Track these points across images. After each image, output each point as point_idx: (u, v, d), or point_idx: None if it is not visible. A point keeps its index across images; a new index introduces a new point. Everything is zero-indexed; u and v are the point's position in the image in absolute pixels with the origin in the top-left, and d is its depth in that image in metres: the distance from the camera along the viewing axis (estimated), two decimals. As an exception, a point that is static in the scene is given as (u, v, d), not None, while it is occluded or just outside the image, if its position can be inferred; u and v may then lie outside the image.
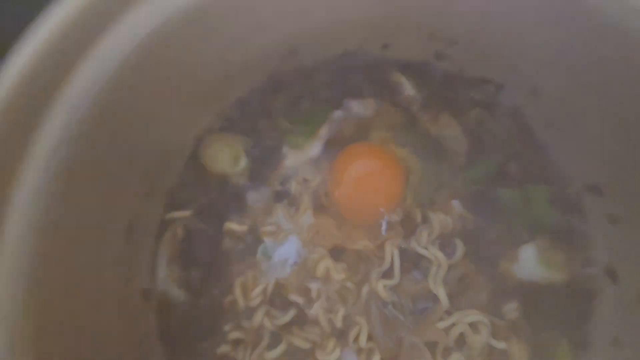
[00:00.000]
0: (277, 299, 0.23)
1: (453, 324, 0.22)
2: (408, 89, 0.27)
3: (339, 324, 0.23)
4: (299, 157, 0.26)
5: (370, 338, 0.22)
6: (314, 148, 0.26)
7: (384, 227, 0.24)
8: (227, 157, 0.25)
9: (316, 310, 0.23)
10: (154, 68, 0.18)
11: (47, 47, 0.13)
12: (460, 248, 0.24)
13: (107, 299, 0.19)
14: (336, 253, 0.24)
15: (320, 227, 0.25)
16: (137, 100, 0.18)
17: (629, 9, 0.17)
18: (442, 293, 0.22)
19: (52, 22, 0.13)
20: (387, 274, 0.23)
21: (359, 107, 0.27)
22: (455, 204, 0.25)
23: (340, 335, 0.23)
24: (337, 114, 0.26)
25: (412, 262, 0.24)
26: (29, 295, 0.14)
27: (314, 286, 0.23)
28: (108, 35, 0.14)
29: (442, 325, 0.22)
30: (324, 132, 0.26)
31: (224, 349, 0.22)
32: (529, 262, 0.24)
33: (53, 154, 0.15)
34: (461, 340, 0.23)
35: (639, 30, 0.17)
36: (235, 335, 0.22)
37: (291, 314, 0.23)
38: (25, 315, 0.14)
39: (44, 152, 0.14)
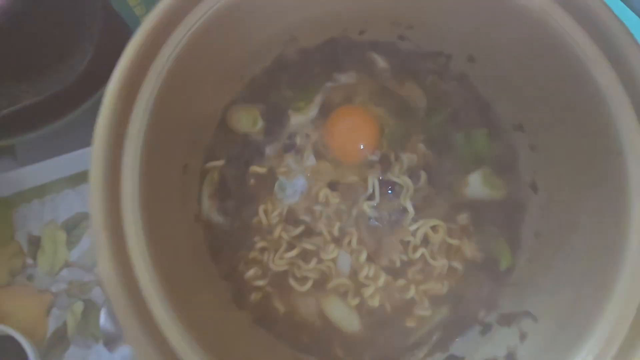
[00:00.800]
0: (291, 218, 0.31)
1: (418, 228, 0.31)
2: (380, 63, 0.35)
3: (336, 233, 0.31)
4: (301, 118, 0.34)
5: (359, 242, 0.31)
6: (312, 111, 0.34)
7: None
8: (247, 121, 0.33)
9: (319, 224, 0.31)
10: (200, 52, 0.26)
11: (146, 38, 0.22)
12: (423, 176, 0.32)
13: (172, 215, 0.28)
14: (332, 185, 0.32)
15: (320, 168, 0.33)
16: (185, 80, 0.27)
17: None
18: (409, 206, 0.31)
19: (149, 22, 0.22)
20: (370, 197, 0.32)
21: (344, 79, 0.35)
22: (421, 145, 0.34)
23: (337, 241, 0.31)
24: (328, 84, 0.35)
25: (388, 187, 0.32)
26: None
27: (317, 208, 0.32)
28: (178, 27, 0.23)
29: (411, 228, 0.31)
30: (318, 98, 0.34)
31: (253, 254, 0.31)
32: (476, 185, 0.32)
33: (144, 111, 0.23)
34: (425, 240, 0.31)
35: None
36: (261, 244, 0.31)
37: (301, 228, 0.31)
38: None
39: (141, 110, 0.23)
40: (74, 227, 0.52)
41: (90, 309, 0.49)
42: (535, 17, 0.25)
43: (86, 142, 0.53)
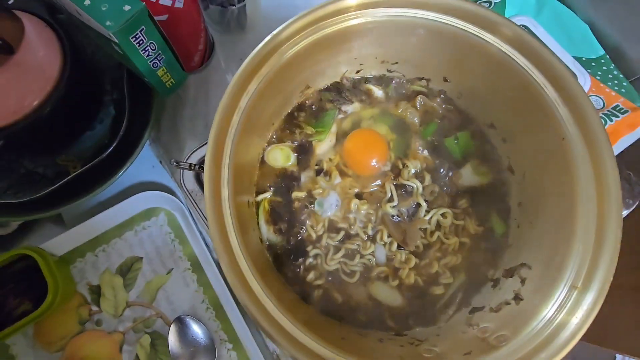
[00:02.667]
0: (332, 227, 0.40)
1: (432, 216, 0.40)
2: (376, 92, 0.44)
3: (369, 232, 0.39)
4: (324, 147, 0.42)
5: (389, 236, 0.39)
6: (331, 139, 0.42)
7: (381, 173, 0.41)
8: (282, 157, 0.41)
9: (355, 228, 0.40)
10: (251, 115, 0.34)
11: (222, 118, 0.30)
12: (427, 176, 0.41)
13: (252, 239, 0.36)
14: (359, 195, 0.41)
15: (345, 184, 0.41)
16: (244, 138, 0.34)
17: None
18: (421, 201, 0.40)
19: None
20: (390, 199, 0.40)
21: (350, 109, 0.44)
22: (423, 152, 0.43)
23: (372, 238, 0.39)
24: (339, 116, 0.43)
25: (402, 189, 0.41)
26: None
27: (351, 216, 0.40)
28: (241, 100, 0.31)
29: (426, 217, 0.39)
30: (333, 129, 0.43)
31: (309, 261, 0.39)
32: (468, 175, 0.41)
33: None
34: (438, 225, 0.40)
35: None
36: (314, 252, 0.39)
37: (342, 233, 0.39)
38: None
39: (226, 167, 0.31)
40: (127, 270, 0.59)
41: (157, 339, 0.56)
42: (492, 51, 0.34)
43: (122, 196, 0.59)
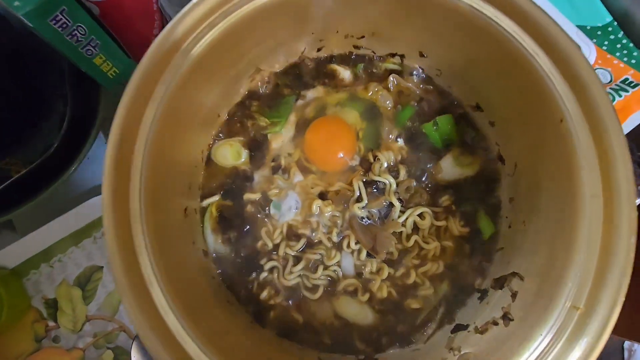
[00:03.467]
0: (291, 234, 0.34)
1: (407, 218, 0.34)
2: (342, 72, 0.38)
3: (335, 239, 0.34)
4: (280, 140, 0.36)
5: (357, 242, 0.34)
6: (289, 131, 0.37)
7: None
8: (232, 154, 0.36)
9: (318, 234, 0.34)
10: (179, 104, 0.28)
11: (132, 98, 0.24)
12: (402, 170, 0.35)
13: (184, 256, 0.30)
14: (322, 195, 0.35)
15: (307, 182, 0.36)
16: (171, 132, 0.28)
17: None
18: (395, 200, 0.34)
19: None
20: (358, 199, 0.34)
21: (312, 94, 0.38)
22: (398, 141, 0.37)
23: (338, 246, 0.34)
24: (299, 103, 0.37)
25: (373, 186, 0.35)
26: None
27: (313, 220, 0.34)
28: (157, 86, 0.25)
29: (400, 220, 0.34)
30: (292, 118, 0.37)
31: (264, 275, 0.33)
32: (449, 168, 0.35)
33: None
34: (415, 227, 0.34)
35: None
36: (269, 264, 0.33)
37: (303, 241, 0.34)
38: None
39: (138, 166, 0.25)
40: (86, 281, 0.54)
41: (120, 355, 0.51)
42: (472, 16, 0.28)
43: (78, 201, 0.54)
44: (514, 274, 0.29)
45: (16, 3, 0.33)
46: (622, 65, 0.59)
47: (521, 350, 0.23)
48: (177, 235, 0.29)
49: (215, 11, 0.26)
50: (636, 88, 0.58)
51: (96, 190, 0.55)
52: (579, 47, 0.26)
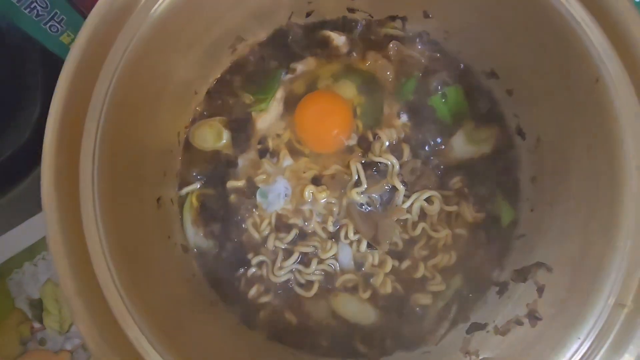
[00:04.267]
0: (281, 224, 0.31)
1: (413, 203, 0.30)
2: (336, 39, 0.34)
3: (330, 229, 0.30)
4: (267, 119, 0.33)
5: (356, 232, 0.30)
6: (276, 108, 0.33)
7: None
8: (212, 136, 0.32)
9: (312, 224, 0.30)
10: (142, 74, 0.24)
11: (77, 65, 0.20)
12: (406, 150, 0.31)
13: (156, 253, 0.26)
14: (316, 180, 0.31)
15: (299, 166, 0.32)
16: (133, 109, 0.25)
17: None
18: (397, 183, 0.30)
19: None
20: (357, 183, 0.31)
21: (302, 67, 0.34)
22: (401, 117, 0.33)
23: (335, 237, 0.30)
24: (287, 77, 0.34)
25: (373, 169, 0.31)
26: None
27: (305, 208, 0.31)
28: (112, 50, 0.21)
29: (405, 205, 0.30)
30: (280, 94, 0.33)
31: (252, 271, 0.30)
32: (460, 145, 0.32)
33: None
34: (423, 214, 0.30)
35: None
36: (257, 259, 0.30)
37: (294, 232, 0.30)
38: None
39: (89, 151, 0.21)
40: (73, 280, 0.51)
41: (111, 357, 0.49)
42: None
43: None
44: (540, 264, 0.25)
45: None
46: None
47: (554, 356, 0.19)
48: (148, 231, 0.26)
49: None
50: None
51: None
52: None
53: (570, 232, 0.24)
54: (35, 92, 0.49)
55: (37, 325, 0.50)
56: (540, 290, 0.24)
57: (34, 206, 0.51)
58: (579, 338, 0.19)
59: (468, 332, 0.26)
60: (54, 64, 0.43)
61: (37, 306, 0.51)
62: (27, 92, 0.50)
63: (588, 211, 0.23)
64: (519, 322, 0.23)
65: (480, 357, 0.23)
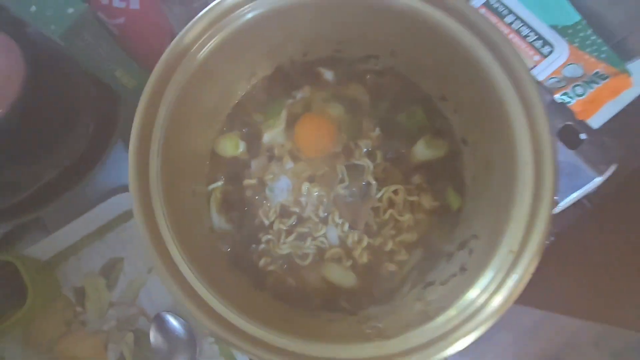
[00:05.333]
0: (284, 212, 0.39)
1: (383, 194, 0.39)
2: (325, 73, 0.43)
3: (321, 215, 0.39)
4: (273, 133, 0.42)
5: (340, 216, 0.39)
6: (280, 125, 0.42)
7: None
8: (231, 146, 0.41)
9: (307, 211, 0.40)
10: (186, 104, 0.34)
11: (147, 102, 0.30)
12: (379, 155, 0.40)
13: (194, 230, 0.36)
14: (311, 179, 0.40)
15: (298, 168, 0.41)
16: (181, 127, 0.35)
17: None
18: (371, 179, 0.39)
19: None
20: (341, 180, 0.40)
21: (300, 94, 0.43)
22: (375, 130, 0.42)
23: (324, 221, 0.39)
24: (289, 101, 0.43)
25: (354, 169, 0.40)
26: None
27: (302, 199, 0.40)
28: (167, 89, 0.31)
29: (377, 196, 0.39)
30: (283, 114, 0.42)
31: (262, 246, 0.39)
32: (422, 150, 0.40)
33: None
34: (391, 203, 0.39)
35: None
36: (266, 237, 0.39)
37: (294, 217, 0.39)
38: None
39: (154, 155, 0.31)
40: (110, 271, 0.60)
41: (140, 336, 0.57)
42: (428, 20, 0.33)
43: (100, 200, 0.61)
44: (473, 235, 0.34)
45: (52, 27, 0.40)
46: (593, 60, 0.64)
47: (469, 289, 0.28)
48: (188, 213, 0.35)
49: (214, 24, 0.32)
50: (606, 80, 0.63)
51: (116, 191, 0.62)
52: (513, 46, 0.31)
53: (490, 211, 0.33)
54: (86, 113, 0.58)
55: (79, 309, 0.58)
56: (470, 252, 0.32)
57: (79, 210, 0.60)
58: (485, 275, 0.28)
59: (423, 288, 0.35)
60: (103, 90, 0.54)
61: (80, 293, 0.59)
62: (79, 114, 0.60)
63: (500, 195, 0.31)
64: (454, 275, 0.32)
65: (427, 299, 0.32)
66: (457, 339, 0.25)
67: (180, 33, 0.32)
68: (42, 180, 0.53)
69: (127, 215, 0.61)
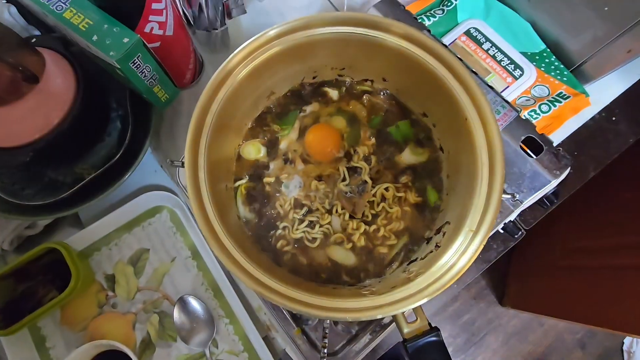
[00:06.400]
0: (297, 204, 0.48)
1: (376, 190, 0.48)
2: (330, 92, 0.53)
3: (327, 207, 0.48)
4: (289, 140, 0.52)
5: (342, 208, 0.48)
6: (294, 134, 0.52)
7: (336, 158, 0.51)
8: (254, 151, 0.51)
9: (316, 204, 0.49)
10: (223, 117, 0.44)
11: (198, 116, 0.40)
12: (373, 159, 0.49)
13: (229, 216, 0.45)
14: (318, 178, 0.50)
15: (308, 169, 0.50)
16: (219, 135, 0.44)
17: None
18: (368, 179, 0.48)
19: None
20: (343, 179, 0.49)
21: (310, 108, 0.53)
22: (371, 139, 0.52)
23: (329, 211, 0.48)
24: (301, 114, 0.53)
25: (353, 170, 0.50)
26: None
27: (312, 194, 0.49)
28: (212, 104, 0.41)
29: (372, 192, 0.48)
30: (296, 125, 0.52)
31: (279, 232, 0.48)
32: (408, 156, 0.50)
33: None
34: (383, 198, 0.48)
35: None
36: (282, 224, 0.47)
37: (305, 209, 0.47)
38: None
39: (202, 157, 0.40)
40: (137, 260, 0.68)
41: (164, 318, 0.65)
42: (412, 56, 0.43)
43: (130, 198, 0.69)
44: (447, 222, 0.43)
45: (112, 53, 0.50)
46: (557, 82, 0.75)
47: (440, 258, 0.37)
48: (223, 202, 0.44)
49: (248, 56, 0.42)
50: (568, 99, 0.74)
51: (144, 190, 0.70)
52: (473, 73, 0.41)
53: (459, 202, 0.42)
54: (119, 121, 0.67)
55: (110, 293, 0.65)
56: (443, 234, 0.42)
57: (111, 206, 0.68)
58: (451, 248, 0.37)
59: (408, 264, 0.44)
60: (138, 102, 0.62)
61: (111, 279, 0.67)
62: (113, 122, 0.68)
63: (466, 190, 0.41)
64: (431, 252, 0.41)
65: (410, 270, 0.41)
66: (431, 293, 0.35)
67: (227, 59, 0.41)
68: (80, 178, 0.61)
69: (152, 212, 0.70)
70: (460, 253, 0.36)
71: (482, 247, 0.35)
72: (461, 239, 0.37)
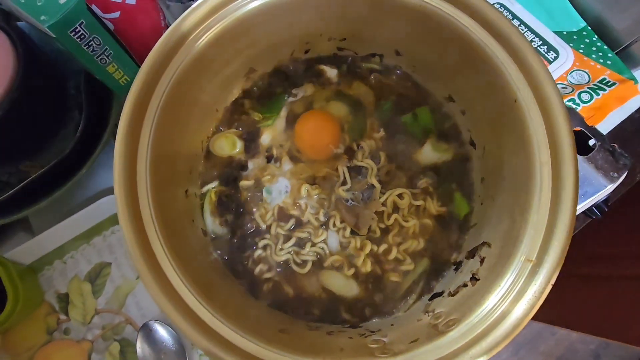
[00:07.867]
0: (282, 215, 0.37)
1: (387, 198, 0.37)
2: (328, 72, 0.42)
3: (321, 219, 0.37)
4: (271, 132, 0.40)
5: (341, 221, 0.37)
6: (280, 124, 0.41)
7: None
8: (228, 145, 0.40)
9: (306, 215, 0.37)
10: (179, 98, 0.32)
11: (136, 97, 0.28)
12: (382, 156, 0.38)
13: (185, 232, 0.33)
14: (311, 180, 0.39)
15: (297, 169, 0.39)
16: (172, 123, 0.33)
17: None
18: (375, 182, 0.37)
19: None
20: (343, 182, 0.38)
21: (302, 92, 0.42)
22: (379, 131, 0.40)
23: (324, 225, 0.37)
24: (289, 99, 0.41)
25: (356, 171, 0.38)
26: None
27: (302, 202, 0.38)
28: (159, 83, 0.29)
29: (381, 200, 0.37)
30: (283, 112, 0.41)
31: (258, 252, 0.36)
32: (428, 153, 0.39)
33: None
34: (396, 207, 0.37)
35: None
36: (263, 242, 0.37)
37: (292, 222, 0.37)
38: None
39: (144, 151, 0.29)
40: (96, 277, 0.57)
41: (126, 347, 0.54)
42: (439, 16, 0.32)
43: (88, 202, 0.59)
44: (484, 243, 0.32)
45: (42, 17, 0.39)
46: (598, 66, 0.63)
47: (482, 301, 0.26)
48: (179, 214, 0.33)
49: (214, 13, 0.31)
50: (613, 87, 0.62)
51: (105, 193, 0.59)
52: (527, 39, 0.30)
53: (503, 216, 0.31)
54: (78, 111, 0.57)
55: (62, 317, 0.55)
56: (482, 261, 0.30)
57: (66, 212, 0.58)
58: (500, 286, 0.26)
59: (430, 299, 0.33)
60: (99, 88, 0.52)
61: (64, 300, 0.56)
62: (70, 112, 0.58)
63: (513, 199, 0.30)
64: (465, 285, 0.30)
65: (435, 312, 0.29)
66: (472, 358, 0.23)
67: (178, 20, 0.30)
68: (28, 178, 0.51)
69: (116, 219, 0.58)
70: (516, 294, 0.24)
71: (549, 288, 0.23)
72: (514, 271, 0.25)
